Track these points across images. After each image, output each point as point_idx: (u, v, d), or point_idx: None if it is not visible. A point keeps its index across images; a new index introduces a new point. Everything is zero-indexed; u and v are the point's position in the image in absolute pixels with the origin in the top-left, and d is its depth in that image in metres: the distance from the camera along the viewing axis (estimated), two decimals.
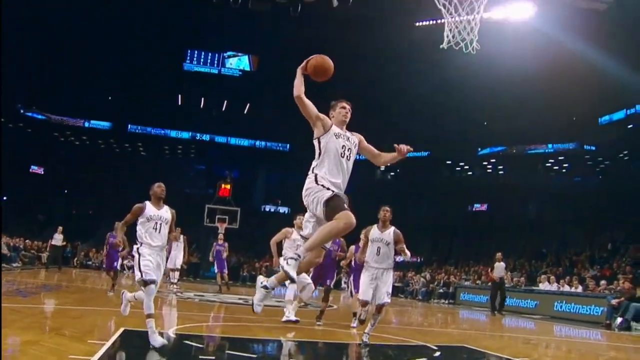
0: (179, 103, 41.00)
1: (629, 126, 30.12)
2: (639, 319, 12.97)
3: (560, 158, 35.06)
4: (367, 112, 26.28)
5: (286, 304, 8.88)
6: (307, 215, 4.69)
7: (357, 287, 8.43)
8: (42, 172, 39.14)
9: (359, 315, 8.11)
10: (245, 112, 41.21)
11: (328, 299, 9.49)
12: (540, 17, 23.35)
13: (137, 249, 5.87)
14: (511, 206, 34.43)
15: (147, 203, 6.10)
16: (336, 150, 4.56)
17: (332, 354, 7.22)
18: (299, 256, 4.31)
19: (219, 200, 27.97)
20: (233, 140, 41.14)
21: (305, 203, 4.51)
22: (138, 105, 38.22)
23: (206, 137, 41.04)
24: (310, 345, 7.39)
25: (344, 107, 4.78)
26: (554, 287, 18.52)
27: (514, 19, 22.94)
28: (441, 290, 23.80)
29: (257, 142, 41.56)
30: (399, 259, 7.75)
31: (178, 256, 14.88)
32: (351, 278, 10.13)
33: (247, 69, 39.90)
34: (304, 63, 4.51)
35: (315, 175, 4.50)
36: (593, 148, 33.02)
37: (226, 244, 17.00)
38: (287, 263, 4.27)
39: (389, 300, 7.19)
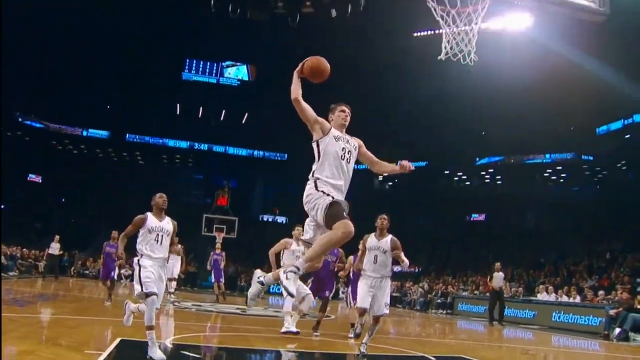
0: (178, 112, 41.08)
1: (627, 136, 30.28)
2: (637, 329, 12.92)
3: (558, 168, 35.17)
4: (365, 122, 26.24)
5: (284, 315, 8.85)
6: (308, 220, 4.68)
7: (355, 297, 8.37)
8: (40, 181, 39.01)
9: (355, 328, 8.04)
10: (244, 121, 41.32)
11: (325, 310, 9.44)
12: (538, 27, 23.44)
13: (138, 260, 5.70)
14: (509, 216, 34.51)
15: (149, 214, 5.93)
16: (336, 153, 4.50)
17: None
18: (299, 269, 4.22)
19: (216, 209, 27.96)
20: (231, 150, 41.16)
21: (306, 209, 4.47)
22: (136, 114, 38.26)
23: (204, 147, 41.05)
24: (308, 356, 7.36)
25: (343, 111, 4.75)
26: (552, 297, 18.51)
27: (512, 29, 23.02)
28: (439, 301, 23.76)
29: (255, 152, 41.60)
30: (397, 268, 7.71)
31: (176, 265, 14.91)
32: (349, 289, 10.09)
33: (246, 78, 40.12)
34: (299, 66, 4.48)
35: (316, 181, 4.44)
36: (591, 158, 33.14)
37: (224, 254, 17.03)
38: (286, 277, 4.17)
39: (387, 312, 7.13)
